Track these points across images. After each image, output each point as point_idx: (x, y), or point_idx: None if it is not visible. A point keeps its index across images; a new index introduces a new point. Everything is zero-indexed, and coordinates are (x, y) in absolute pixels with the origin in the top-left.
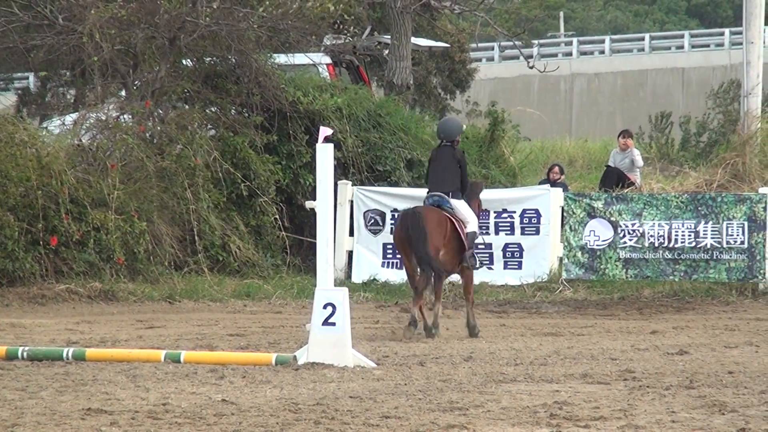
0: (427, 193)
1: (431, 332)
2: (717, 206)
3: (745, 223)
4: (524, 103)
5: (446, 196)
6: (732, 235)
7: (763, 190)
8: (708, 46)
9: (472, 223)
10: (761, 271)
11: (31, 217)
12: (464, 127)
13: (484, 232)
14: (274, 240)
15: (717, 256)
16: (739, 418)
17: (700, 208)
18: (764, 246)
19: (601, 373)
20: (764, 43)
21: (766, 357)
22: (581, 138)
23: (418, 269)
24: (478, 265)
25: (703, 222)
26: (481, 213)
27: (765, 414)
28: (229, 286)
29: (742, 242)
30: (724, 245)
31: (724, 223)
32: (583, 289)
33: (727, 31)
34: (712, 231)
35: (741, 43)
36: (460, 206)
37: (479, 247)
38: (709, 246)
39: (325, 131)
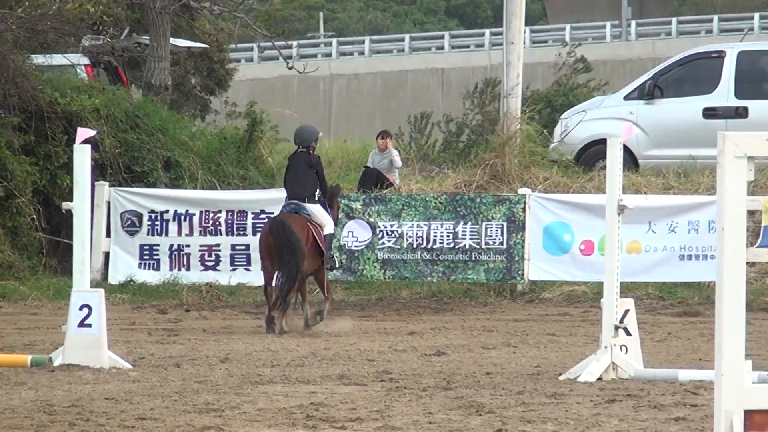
0: (285, 198)
1: (315, 319)
2: (476, 207)
3: (504, 224)
4: (283, 103)
5: (302, 203)
6: (491, 236)
7: (522, 190)
8: (468, 46)
9: (328, 226)
10: (520, 272)
11: None
12: (320, 133)
13: (241, 233)
14: (31, 241)
15: (476, 257)
16: (496, 419)
17: (458, 209)
18: (523, 247)
19: (358, 374)
20: (524, 43)
21: (523, 358)
22: (340, 138)
23: (279, 277)
24: (338, 265)
25: (461, 223)
26: (338, 214)
27: (522, 415)
28: None
29: (501, 243)
30: (483, 246)
31: (483, 223)
32: (341, 290)
33: (487, 31)
34: (470, 232)
35: (501, 44)
36: (316, 210)
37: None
38: (467, 247)
39: (85, 132)
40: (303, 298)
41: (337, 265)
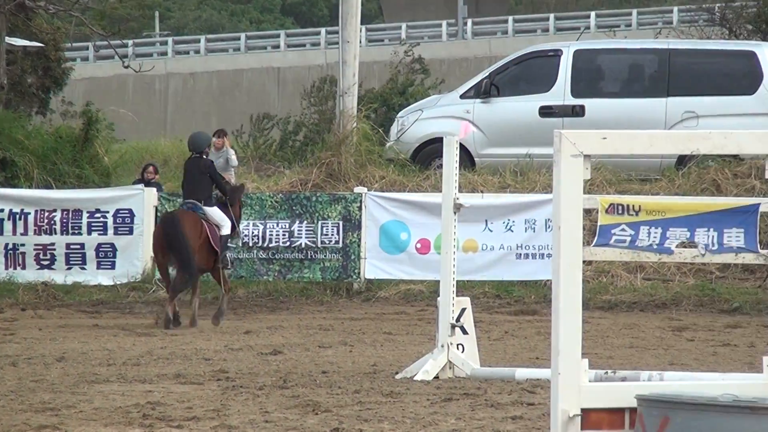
0: (182, 200)
1: (178, 323)
2: (312, 206)
3: (340, 223)
4: (119, 102)
5: (199, 204)
6: (327, 235)
7: (358, 189)
8: (304, 45)
9: (225, 227)
10: (356, 271)
11: None
12: (213, 138)
13: (76, 232)
14: None
15: (312, 256)
16: (333, 418)
17: (294, 208)
18: (359, 246)
19: (195, 373)
20: (360, 42)
21: (360, 357)
22: (177, 137)
23: (175, 270)
24: (230, 266)
25: (297, 222)
26: (241, 212)
27: (359, 414)
28: None
29: (337, 242)
30: (319, 245)
31: (319, 222)
32: None
33: (323, 30)
34: (306, 231)
35: (337, 43)
36: (212, 212)
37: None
38: (303, 246)
39: None
40: (194, 292)
41: (230, 265)
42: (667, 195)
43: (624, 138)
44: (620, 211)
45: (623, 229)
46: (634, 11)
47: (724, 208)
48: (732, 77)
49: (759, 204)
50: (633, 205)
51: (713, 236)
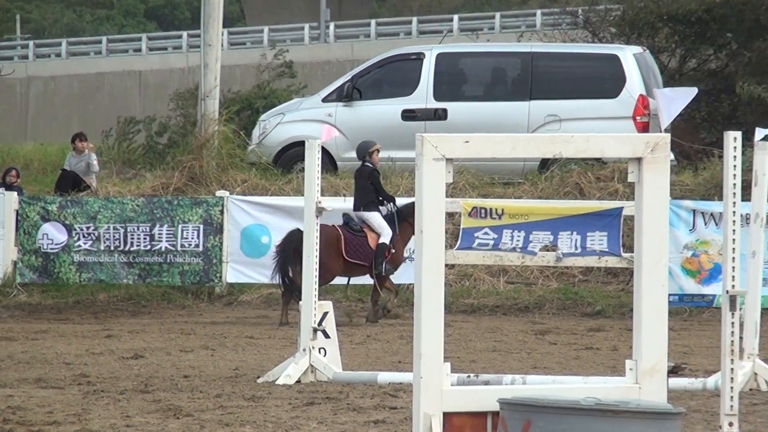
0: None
1: (382, 313)
2: (173, 209)
3: (201, 227)
4: None
5: (358, 211)
6: (187, 239)
7: (220, 193)
8: (166, 48)
9: (383, 235)
10: (217, 275)
11: None
12: (372, 146)
13: None
14: None
15: (172, 260)
16: (195, 423)
17: (155, 212)
18: (221, 249)
19: (55, 377)
20: (222, 45)
21: (221, 361)
22: (38, 141)
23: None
24: (385, 273)
25: (158, 225)
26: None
27: (220, 418)
28: None
29: (197, 246)
30: (179, 249)
31: (180, 226)
32: (37, 293)
33: (185, 33)
34: (167, 234)
35: (199, 46)
36: (372, 218)
37: None
38: (164, 249)
39: None
40: (374, 295)
41: (384, 273)
42: (530, 198)
43: (487, 141)
44: (483, 215)
45: (486, 233)
46: (497, 14)
47: (588, 211)
48: (595, 80)
49: (622, 207)
50: (496, 209)
51: (577, 240)
